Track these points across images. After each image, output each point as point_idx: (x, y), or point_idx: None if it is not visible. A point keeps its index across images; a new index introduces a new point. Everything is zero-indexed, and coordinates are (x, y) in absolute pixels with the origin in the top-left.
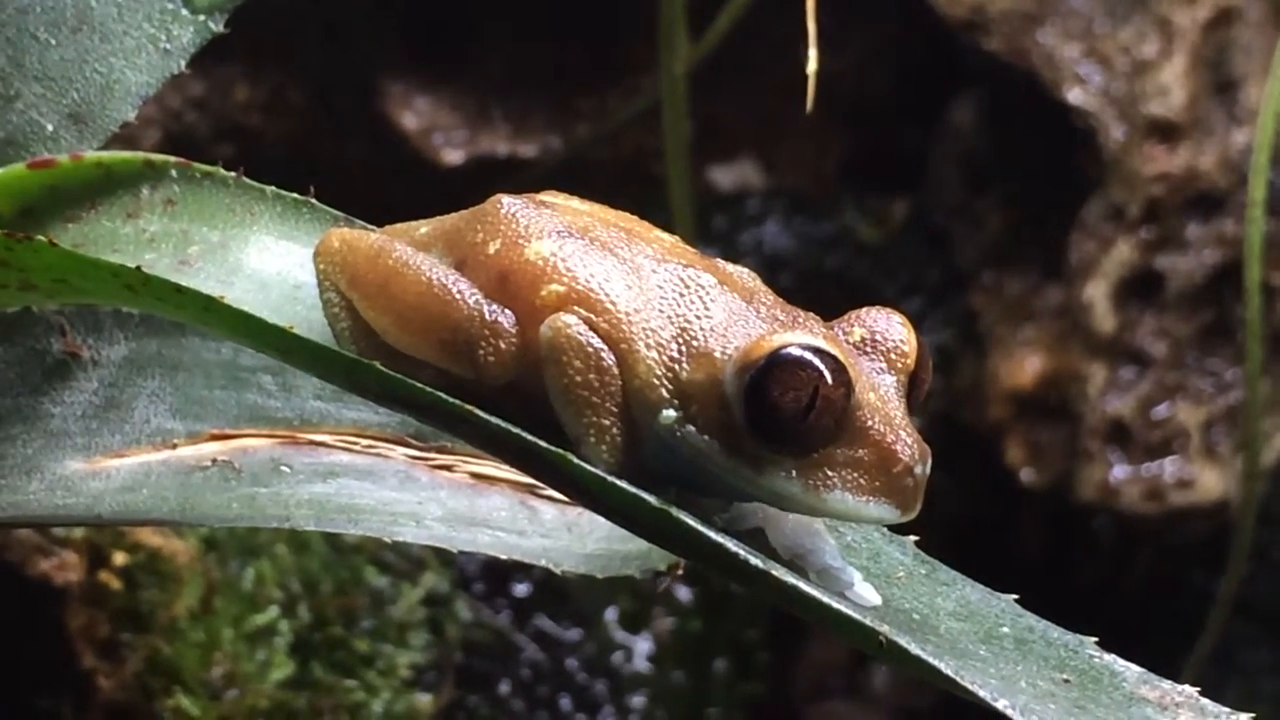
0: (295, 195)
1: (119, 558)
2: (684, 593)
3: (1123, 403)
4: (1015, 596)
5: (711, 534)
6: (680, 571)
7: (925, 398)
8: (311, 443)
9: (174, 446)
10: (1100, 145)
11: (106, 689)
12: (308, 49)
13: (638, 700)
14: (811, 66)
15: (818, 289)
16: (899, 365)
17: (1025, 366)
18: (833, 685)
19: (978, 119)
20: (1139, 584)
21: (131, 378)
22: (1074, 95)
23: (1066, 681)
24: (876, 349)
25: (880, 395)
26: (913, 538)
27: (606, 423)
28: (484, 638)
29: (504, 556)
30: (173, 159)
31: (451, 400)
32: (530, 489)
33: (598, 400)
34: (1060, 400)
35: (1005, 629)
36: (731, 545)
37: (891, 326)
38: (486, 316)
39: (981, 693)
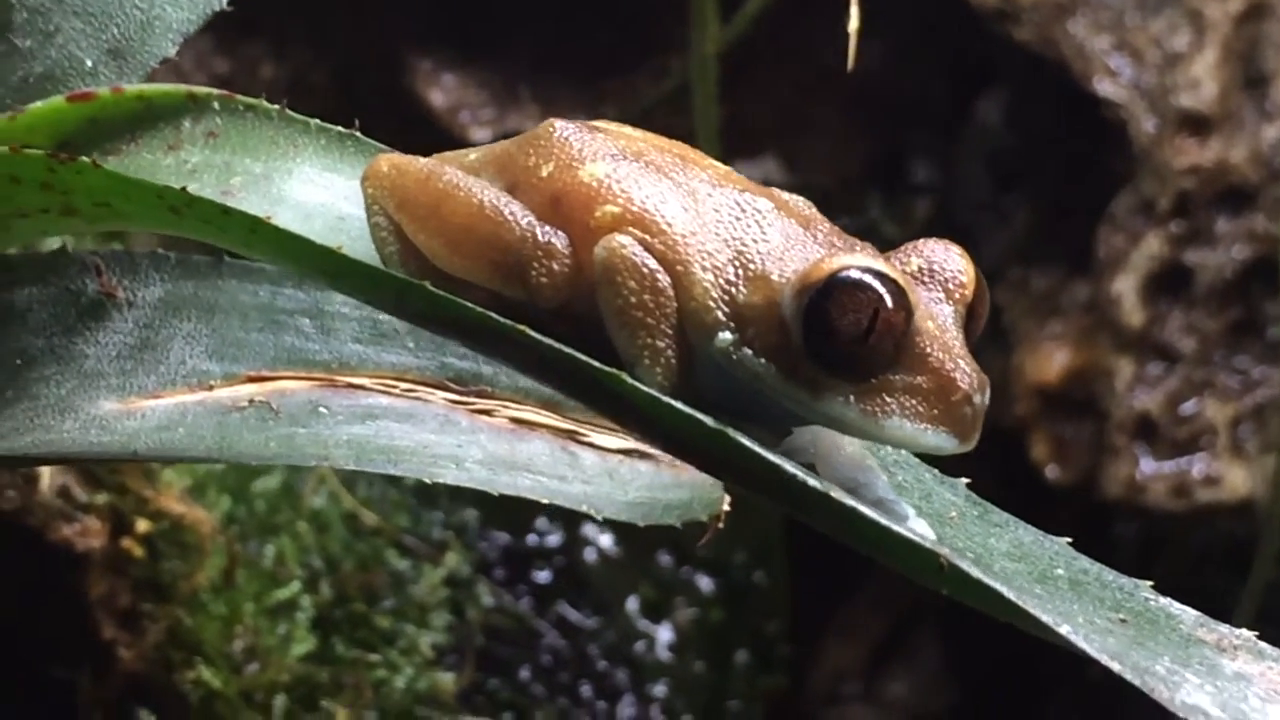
0: (340, 129)
1: (142, 525)
2: (705, 582)
3: (1150, 398)
4: (1069, 540)
5: (769, 455)
6: (721, 524)
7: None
8: (350, 385)
9: (210, 388)
10: (1131, 138)
11: (127, 659)
12: (333, 27)
13: (659, 690)
14: (853, 24)
15: None
16: (957, 296)
17: (1052, 361)
18: (849, 691)
19: (1004, 115)
20: (1164, 585)
21: (167, 319)
22: (1104, 87)
23: (1123, 621)
24: (934, 279)
25: (939, 324)
26: (964, 480)
27: (661, 345)
28: (505, 623)
29: (545, 501)
30: (216, 91)
31: (501, 319)
32: (571, 435)
33: (653, 322)
34: (1087, 396)
35: (1060, 570)
36: (789, 466)
37: (950, 257)
38: (540, 237)
39: (1044, 617)
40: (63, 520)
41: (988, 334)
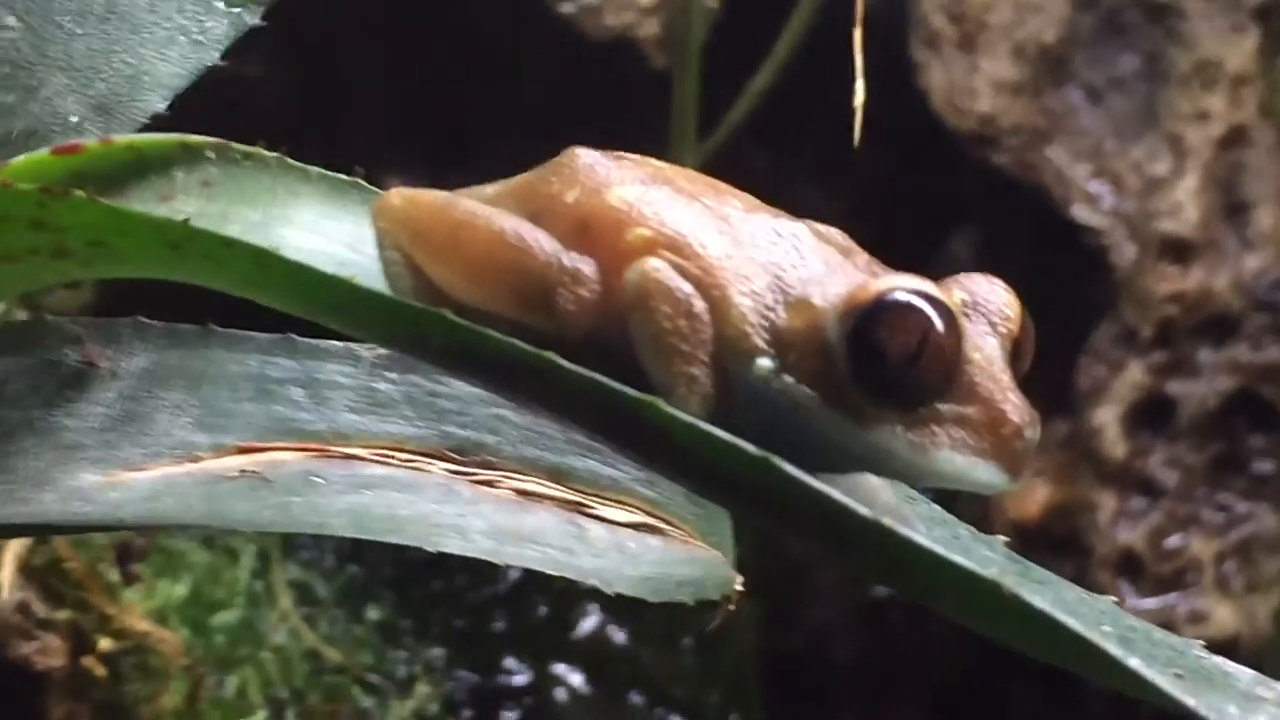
0: (342, 176)
1: (104, 643)
2: None
3: (1134, 533)
4: (1114, 599)
5: (815, 482)
6: (732, 605)
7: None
8: (345, 456)
9: (197, 460)
10: (1111, 265)
11: None
12: (310, 146)
13: None
14: (858, 99)
15: None
16: (1003, 330)
17: (1032, 497)
18: None
19: (976, 250)
20: None
21: (151, 390)
22: (1084, 214)
23: (1179, 676)
24: (978, 311)
25: (985, 356)
26: (1002, 538)
27: (697, 372)
28: None
29: (553, 573)
30: (210, 139)
31: (526, 346)
32: (578, 507)
33: (688, 348)
34: (1068, 531)
35: (1107, 627)
36: (837, 495)
37: (995, 291)
38: (566, 263)
39: (1112, 650)
40: (21, 637)
41: None
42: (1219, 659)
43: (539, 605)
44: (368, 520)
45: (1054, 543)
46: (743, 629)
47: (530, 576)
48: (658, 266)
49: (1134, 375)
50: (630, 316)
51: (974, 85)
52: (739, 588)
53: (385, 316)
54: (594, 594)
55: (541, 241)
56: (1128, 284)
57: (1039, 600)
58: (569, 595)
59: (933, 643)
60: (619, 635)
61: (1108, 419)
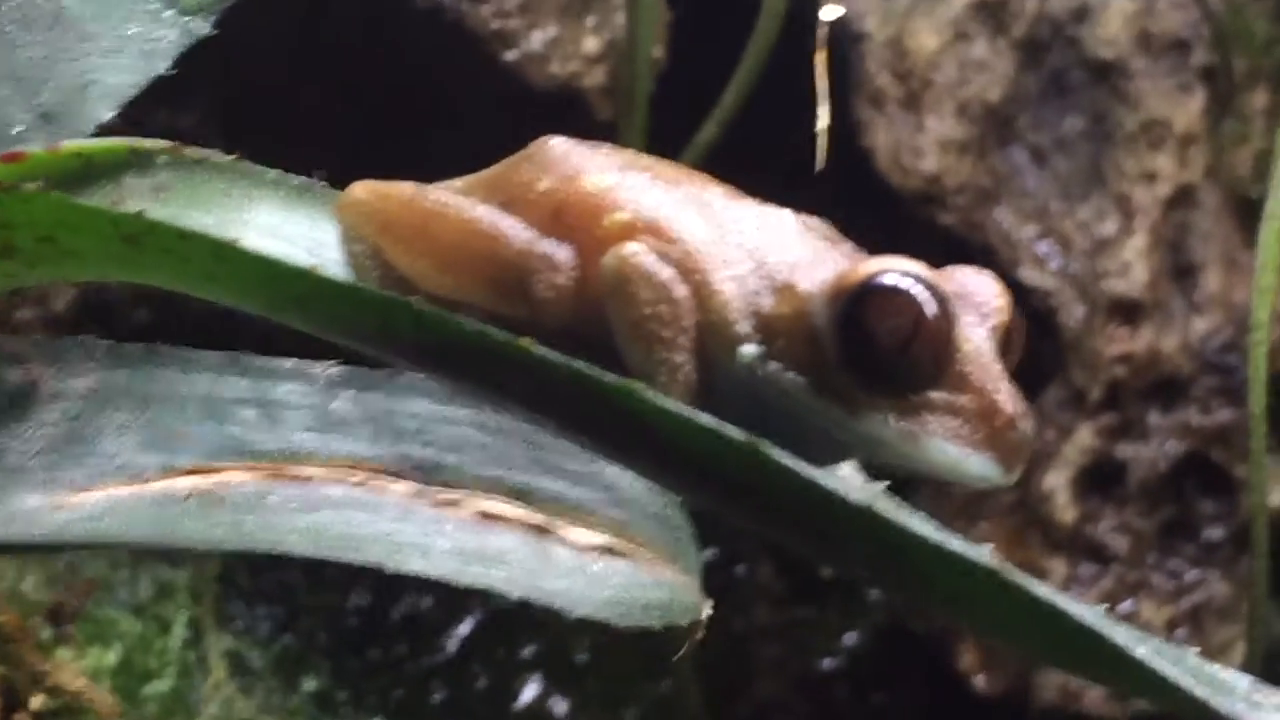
0: (300, 178)
1: (36, 701)
2: None
3: (1085, 600)
4: (1107, 606)
5: (805, 468)
6: (700, 635)
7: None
8: (300, 476)
9: (145, 481)
10: (1060, 326)
11: None
12: None
13: None
14: (822, 123)
15: None
16: (993, 322)
17: None
18: None
19: None
20: None
21: (97, 410)
22: (1032, 275)
23: None
24: (967, 302)
25: (977, 346)
26: (989, 545)
27: (679, 359)
28: None
29: (517, 595)
30: (162, 143)
31: (500, 333)
32: (543, 529)
33: (669, 334)
34: None
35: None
36: (828, 481)
37: (984, 282)
38: (541, 249)
39: (1119, 639)
40: None
41: None
42: (1217, 665)
43: (479, 676)
44: (325, 539)
45: None
46: (688, 701)
47: (470, 645)
48: (637, 250)
49: (1083, 438)
50: (609, 303)
51: (919, 144)
52: (708, 612)
53: (352, 308)
54: (535, 663)
55: (516, 228)
56: (1076, 345)
57: (1041, 588)
58: (510, 666)
59: (877, 715)
60: (561, 706)
61: (1057, 483)
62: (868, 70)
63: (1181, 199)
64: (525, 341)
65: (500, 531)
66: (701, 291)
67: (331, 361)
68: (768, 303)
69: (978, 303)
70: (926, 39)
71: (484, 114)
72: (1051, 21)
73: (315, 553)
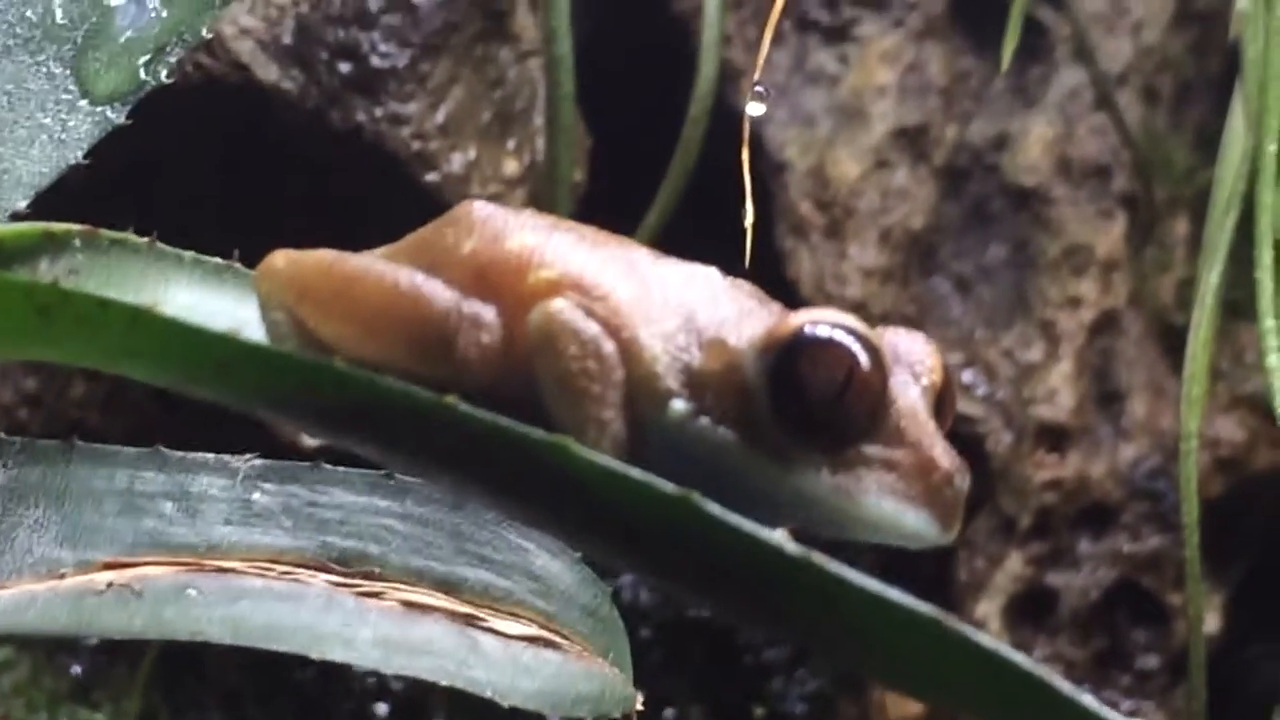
0: (218, 260)
1: None
2: None
3: None
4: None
5: (741, 521)
6: None
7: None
8: (220, 569)
9: (61, 576)
10: (988, 453)
11: None
12: None
13: None
14: (749, 219)
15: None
16: (925, 381)
17: (911, 700)
18: None
19: None
20: None
21: (10, 507)
22: (958, 403)
23: None
24: (900, 362)
25: (910, 402)
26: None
27: (607, 415)
28: None
29: (445, 684)
30: (77, 227)
31: (424, 392)
32: (470, 619)
33: (597, 390)
34: None
35: None
36: (765, 533)
37: (915, 342)
38: (465, 309)
39: (1063, 687)
40: None
41: (839, 679)
42: None
43: None
44: (246, 628)
45: None
46: None
47: None
48: (563, 306)
49: (1014, 566)
50: (535, 360)
51: (843, 272)
52: (640, 707)
53: (274, 371)
54: None
55: (439, 289)
56: (1004, 473)
57: (984, 638)
58: None
59: None
60: None
61: (989, 611)
62: (790, 200)
63: (1106, 324)
64: (450, 399)
65: (426, 621)
66: (630, 348)
67: (251, 455)
68: (697, 358)
69: (910, 362)
70: (848, 167)
71: (404, 235)
72: (971, 149)
73: (235, 640)
